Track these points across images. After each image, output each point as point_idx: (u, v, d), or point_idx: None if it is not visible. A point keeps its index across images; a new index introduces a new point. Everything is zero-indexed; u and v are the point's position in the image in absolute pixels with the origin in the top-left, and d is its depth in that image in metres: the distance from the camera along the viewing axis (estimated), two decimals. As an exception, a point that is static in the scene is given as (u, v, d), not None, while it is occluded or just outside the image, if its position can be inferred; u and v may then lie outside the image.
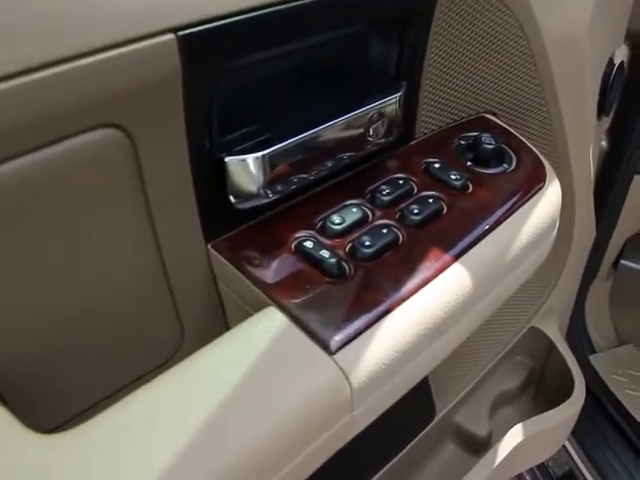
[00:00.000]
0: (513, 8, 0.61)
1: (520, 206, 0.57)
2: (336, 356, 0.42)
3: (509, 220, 0.55)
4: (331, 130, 0.50)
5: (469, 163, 0.60)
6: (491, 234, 0.53)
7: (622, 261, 1.25)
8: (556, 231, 0.62)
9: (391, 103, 0.54)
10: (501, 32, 0.62)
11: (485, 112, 0.67)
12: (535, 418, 0.92)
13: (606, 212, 1.12)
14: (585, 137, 0.81)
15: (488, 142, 0.60)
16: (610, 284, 1.28)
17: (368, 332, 0.44)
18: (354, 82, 0.54)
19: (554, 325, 1.00)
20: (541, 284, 0.92)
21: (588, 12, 0.70)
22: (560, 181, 0.63)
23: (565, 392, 0.98)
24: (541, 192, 0.59)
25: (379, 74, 0.56)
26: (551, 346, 1.01)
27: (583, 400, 0.96)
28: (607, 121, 0.99)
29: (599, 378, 1.21)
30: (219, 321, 0.52)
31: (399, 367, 0.45)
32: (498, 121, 0.67)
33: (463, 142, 0.62)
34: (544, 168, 0.62)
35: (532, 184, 0.59)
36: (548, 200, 0.59)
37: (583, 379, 0.99)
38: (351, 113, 0.51)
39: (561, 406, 0.93)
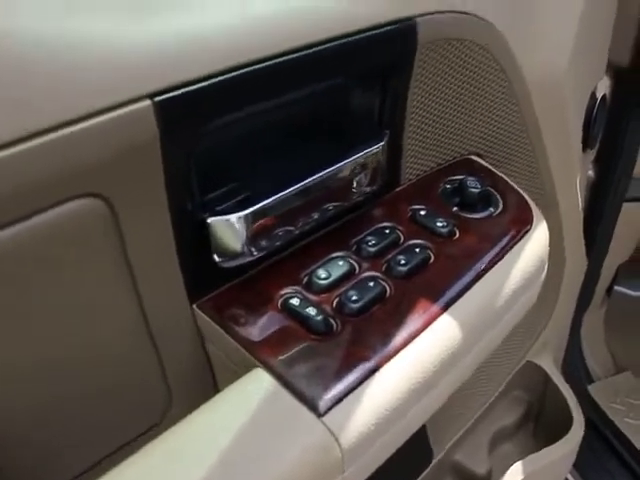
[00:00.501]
0: (494, 53, 0.61)
1: (508, 251, 0.56)
2: (325, 418, 0.42)
3: (497, 266, 0.55)
4: (314, 184, 0.50)
5: (455, 208, 0.60)
6: (479, 282, 0.53)
7: (616, 287, 1.25)
8: (545, 273, 0.62)
9: (374, 152, 0.54)
10: (483, 76, 0.62)
11: (470, 154, 0.67)
12: (534, 455, 0.91)
13: (597, 241, 1.12)
14: (571, 172, 0.81)
15: (474, 186, 0.60)
16: (604, 311, 1.28)
17: (357, 391, 0.43)
18: (336, 134, 0.54)
19: (549, 358, 1.00)
20: (534, 320, 0.92)
21: (568, 50, 0.70)
22: (548, 217, 0.63)
23: (564, 426, 0.97)
24: (528, 235, 0.59)
25: (361, 124, 0.56)
26: (547, 379, 1.00)
27: (582, 434, 0.96)
28: (593, 152, 1.00)
29: (598, 408, 1.21)
30: (208, 382, 0.51)
31: (390, 425, 0.45)
32: (483, 163, 0.67)
33: (449, 186, 0.62)
34: (531, 210, 0.61)
35: (519, 227, 0.59)
36: (536, 243, 0.59)
37: (581, 412, 0.98)
38: (334, 165, 0.51)
39: (559, 442, 0.92)
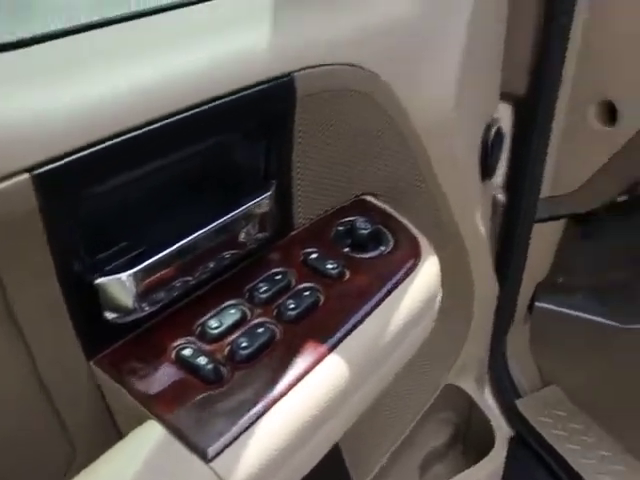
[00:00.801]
0: (379, 100, 0.64)
1: (396, 286, 0.59)
2: (213, 463, 0.44)
3: (385, 303, 0.57)
4: (204, 237, 0.52)
5: (347, 249, 0.63)
6: (367, 320, 0.55)
7: (536, 304, 1.30)
8: (438, 304, 0.65)
9: (263, 203, 0.56)
10: (370, 121, 0.65)
11: (364, 194, 0.70)
12: (459, 475, 0.94)
13: (513, 261, 1.17)
14: (470, 203, 0.85)
15: (363, 227, 0.63)
16: (528, 327, 1.33)
17: (245, 435, 0.45)
18: (223, 187, 0.56)
19: (470, 380, 1.03)
20: (446, 348, 0.95)
21: (452, 91, 0.74)
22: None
23: (491, 444, 1.00)
24: (417, 269, 0.62)
25: (247, 176, 0.58)
26: (471, 401, 1.03)
27: (505, 452, 0.99)
28: (495, 180, 1.04)
29: (526, 422, 1.24)
30: (111, 432, 0.53)
31: (279, 465, 0.47)
32: (376, 202, 0.70)
33: (341, 228, 0.65)
34: (419, 244, 0.65)
35: (408, 263, 0.62)
36: (425, 275, 0.62)
37: (505, 430, 1.01)
38: (222, 218, 0.53)
39: (483, 461, 0.96)
